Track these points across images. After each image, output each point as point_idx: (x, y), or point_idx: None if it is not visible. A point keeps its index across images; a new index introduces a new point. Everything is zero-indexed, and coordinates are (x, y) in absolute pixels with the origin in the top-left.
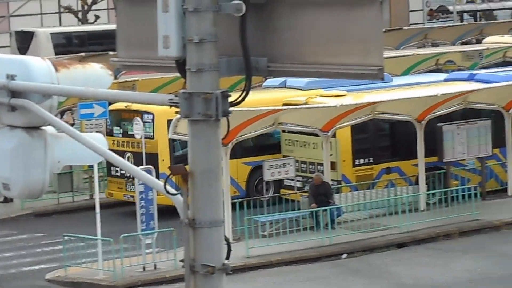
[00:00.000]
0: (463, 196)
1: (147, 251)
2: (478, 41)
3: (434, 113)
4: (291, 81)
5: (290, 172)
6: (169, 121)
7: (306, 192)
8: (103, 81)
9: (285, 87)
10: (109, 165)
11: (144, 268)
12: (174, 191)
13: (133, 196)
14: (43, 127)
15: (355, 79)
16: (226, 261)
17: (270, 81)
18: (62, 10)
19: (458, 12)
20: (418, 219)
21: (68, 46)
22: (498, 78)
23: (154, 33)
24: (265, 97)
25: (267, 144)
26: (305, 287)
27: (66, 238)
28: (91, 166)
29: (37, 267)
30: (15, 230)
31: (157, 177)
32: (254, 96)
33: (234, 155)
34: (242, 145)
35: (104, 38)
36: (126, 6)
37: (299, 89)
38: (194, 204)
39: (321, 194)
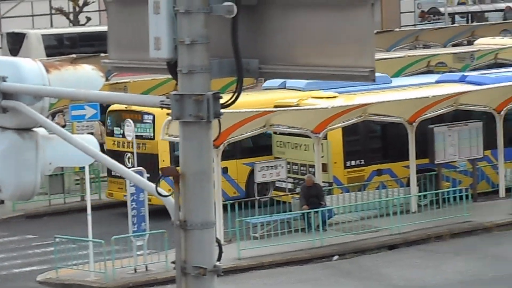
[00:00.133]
0: (455, 198)
1: (139, 252)
2: (470, 43)
3: (426, 115)
4: (290, 82)
5: (282, 173)
6: None
7: (297, 193)
8: (95, 82)
9: (285, 88)
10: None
11: (135, 269)
12: (165, 193)
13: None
14: (35, 129)
15: (347, 81)
16: (217, 263)
17: (269, 82)
18: (53, 11)
19: (449, 14)
20: (410, 221)
21: (60, 48)
22: (490, 80)
23: (146, 34)
24: (266, 98)
25: (267, 145)
26: None
27: (57, 239)
28: (82, 168)
29: (28, 268)
30: (6, 231)
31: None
32: (255, 97)
33: (234, 155)
34: (242, 145)
35: (96, 40)
36: (118, 8)
37: (299, 90)
38: (185, 205)
39: (313, 196)
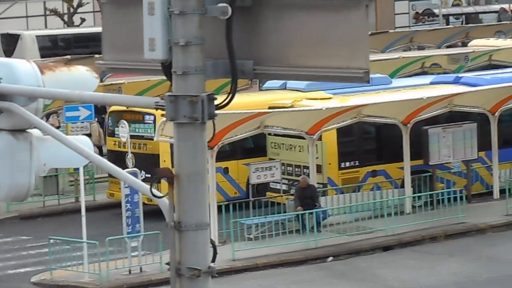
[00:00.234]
0: (449, 199)
1: (133, 254)
2: (464, 44)
3: (420, 116)
4: (291, 82)
5: (276, 175)
6: None
7: (292, 195)
8: (89, 83)
9: (285, 89)
10: None
11: (130, 271)
12: (160, 194)
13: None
14: (29, 130)
15: (341, 82)
16: (212, 264)
17: (270, 83)
18: (48, 12)
19: (443, 16)
20: (404, 222)
21: (54, 49)
22: (484, 81)
23: (140, 35)
24: (267, 98)
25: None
26: None
27: (51, 241)
28: (76, 169)
29: (22, 270)
30: (1, 233)
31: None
32: (255, 98)
33: (234, 156)
34: (243, 146)
35: (90, 41)
36: (112, 9)
37: (300, 91)
38: (180, 207)
39: (307, 197)
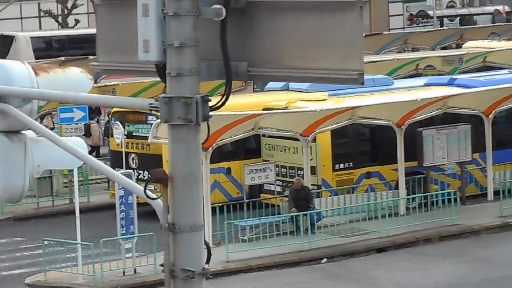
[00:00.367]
0: (443, 200)
1: (127, 255)
2: (458, 46)
3: (414, 118)
4: (293, 83)
5: (270, 176)
6: None
7: (286, 196)
8: (83, 85)
9: (288, 89)
10: (114, 166)
11: (124, 272)
12: (154, 196)
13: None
14: (23, 131)
15: (335, 84)
16: (206, 266)
17: (272, 84)
18: (42, 14)
19: (438, 17)
20: (398, 224)
21: (48, 50)
22: (478, 83)
23: (134, 37)
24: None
25: None
26: None
27: (45, 242)
28: (71, 171)
29: (16, 271)
30: None
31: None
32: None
33: (237, 156)
34: (245, 146)
35: (84, 42)
36: (106, 11)
37: (302, 92)
38: (174, 208)
39: (301, 199)
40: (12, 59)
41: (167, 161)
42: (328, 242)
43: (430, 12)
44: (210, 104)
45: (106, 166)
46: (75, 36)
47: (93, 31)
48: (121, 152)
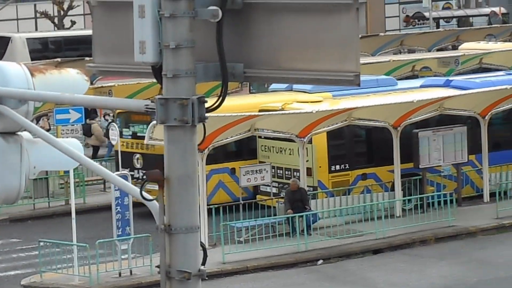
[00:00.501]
0: (439, 202)
1: (123, 256)
2: (454, 48)
3: (410, 119)
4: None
5: (266, 178)
6: None
7: (282, 198)
8: (79, 86)
9: (291, 90)
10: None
11: (120, 274)
12: (150, 197)
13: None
14: (19, 133)
15: (332, 85)
16: (202, 267)
17: (276, 84)
18: (38, 15)
19: (434, 19)
20: (394, 225)
21: (44, 52)
22: (474, 85)
23: (131, 38)
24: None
25: None
26: None
27: (41, 243)
28: (67, 172)
29: (12, 272)
30: None
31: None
32: (256, 99)
33: (241, 156)
34: (249, 146)
35: (80, 44)
36: (103, 12)
37: (306, 93)
38: (170, 209)
39: (297, 200)
40: (8, 60)
41: None
42: (324, 243)
43: (426, 14)
44: (206, 105)
45: (102, 168)
46: (71, 38)
47: (89, 32)
48: (128, 152)
